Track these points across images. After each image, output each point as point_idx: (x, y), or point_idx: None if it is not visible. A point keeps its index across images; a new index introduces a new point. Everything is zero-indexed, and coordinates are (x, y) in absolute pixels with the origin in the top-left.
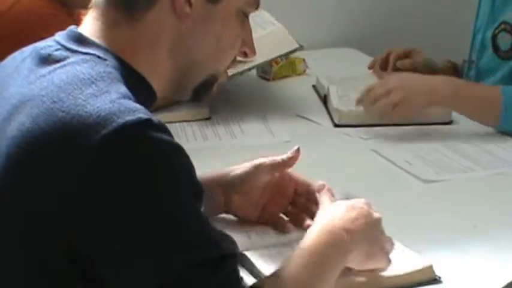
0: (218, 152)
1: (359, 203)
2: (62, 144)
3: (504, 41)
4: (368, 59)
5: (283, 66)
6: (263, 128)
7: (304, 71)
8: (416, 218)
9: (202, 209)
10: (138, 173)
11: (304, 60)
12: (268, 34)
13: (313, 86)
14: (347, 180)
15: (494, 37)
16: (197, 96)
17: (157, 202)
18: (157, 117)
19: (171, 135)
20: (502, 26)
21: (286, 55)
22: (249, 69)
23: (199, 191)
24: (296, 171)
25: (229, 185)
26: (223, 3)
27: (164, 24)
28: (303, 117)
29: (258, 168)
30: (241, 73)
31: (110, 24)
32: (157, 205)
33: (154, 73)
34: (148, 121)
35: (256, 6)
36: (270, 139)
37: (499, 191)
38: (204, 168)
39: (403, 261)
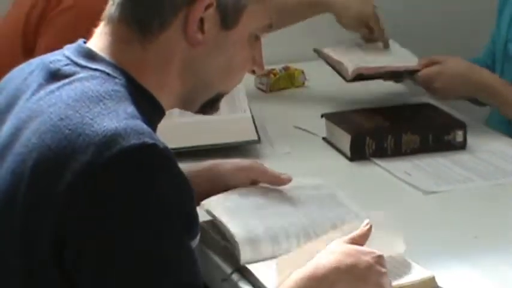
0: None
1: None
2: (66, 161)
3: None
4: None
5: (281, 78)
6: (262, 139)
7: (303, 83)
8: (417, 229)
9: (196, 240)
10: (131, 200)
11: (303, 72)
12: (233, 120)
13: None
14: (347, 192)
15: None
16: (204, 111)
17: (143, 233)
18: (163, 142)
19: (174, 161)
20: None
21: (239, 144)
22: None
23: (193, 223)
24: None
25: (218, 180)
26: (236, 29)
27: (176, 47)
28: (302, 129)
29: (250, 175)
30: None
31: (120, 41)
32: (142, 236)
33: (163, 90)
34: (152, 146)
35: (269, 29)
36: (269, 150)
37: (500, 202)
38: None
39: (405, 272)
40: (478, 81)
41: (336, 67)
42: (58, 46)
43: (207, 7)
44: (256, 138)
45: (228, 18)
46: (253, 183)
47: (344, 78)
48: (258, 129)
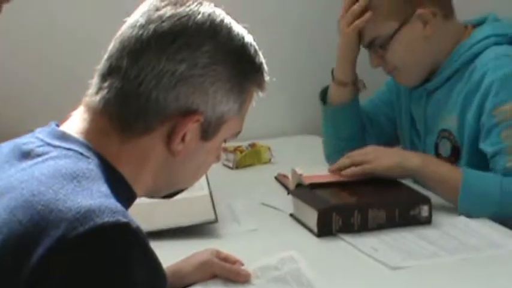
0: None
1: None
2: (37, 237)
3: (445, 147)
4: None
5: (248, 155)
6: (228, 216)
7: (270, 159)
8: None
9: None
10: (103, 278)
11: (269, 148)
12: (192, 199)
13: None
14: (314, 268)
15: (436, 145)
16: (165, 197)
17: None
18: (136, 222)
19: (147, 241)
20: (442, 134)
21: (196, 224)
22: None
23: None
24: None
25: (181, 282)
26: (213, 140)
27: (154, 150)
28: (269, 206)
29: (210, 270)
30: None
31: (99, 131)
32: None
33: (134, 181)
34: (126, 225)
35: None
36: (235, 227)
37: (466, 277)
38: (173, 251)
39: None
40: (406, 151)
41: (286, 185)
42: None
43: (194, 122)
44: (213, 218)
45: (208, 132)
46: (214, 276)
47: (288, 190)
48: (225, 206)
